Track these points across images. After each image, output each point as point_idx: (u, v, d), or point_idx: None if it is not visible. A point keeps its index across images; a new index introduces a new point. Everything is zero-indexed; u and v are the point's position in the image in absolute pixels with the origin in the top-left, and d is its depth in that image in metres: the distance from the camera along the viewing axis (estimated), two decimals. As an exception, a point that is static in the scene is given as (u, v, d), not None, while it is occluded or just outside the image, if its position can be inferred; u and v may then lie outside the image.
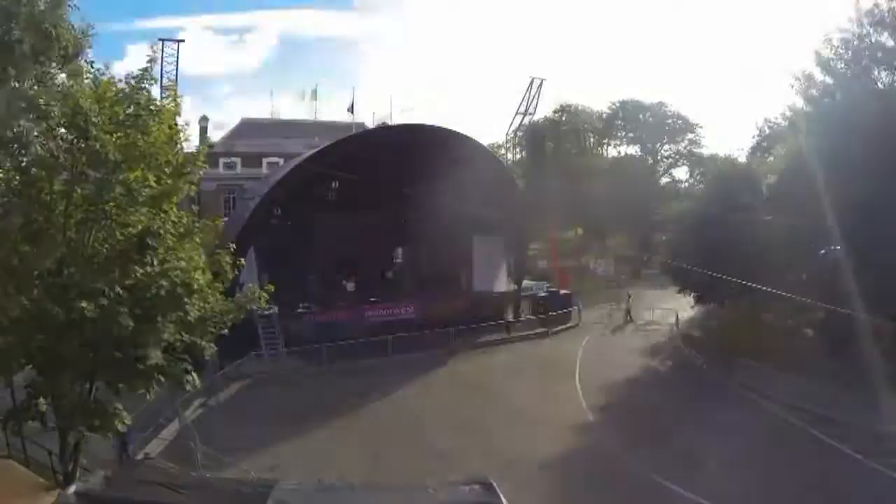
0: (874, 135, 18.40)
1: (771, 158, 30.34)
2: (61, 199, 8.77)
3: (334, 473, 12.00)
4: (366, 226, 30.63)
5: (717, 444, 14.76)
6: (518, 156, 36.91)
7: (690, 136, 58.80)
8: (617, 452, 15.84)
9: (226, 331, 10.18)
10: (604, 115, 58.83)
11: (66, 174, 8.83)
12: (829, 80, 21.27)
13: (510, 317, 30.45)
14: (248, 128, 38.10)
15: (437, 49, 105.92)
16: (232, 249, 10.37)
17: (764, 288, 21.61)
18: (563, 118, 54.82)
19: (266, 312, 22.25)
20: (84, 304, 8.10)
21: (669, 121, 58.69)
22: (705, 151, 56.59)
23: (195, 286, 9.22)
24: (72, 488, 5.09)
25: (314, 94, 38.86)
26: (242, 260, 11.08)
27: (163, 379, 9.73)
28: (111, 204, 8.77)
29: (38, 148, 8.60)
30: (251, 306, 10.86)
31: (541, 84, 34.70)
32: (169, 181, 9.16)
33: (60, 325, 8.16)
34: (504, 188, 27.43)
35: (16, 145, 8.47)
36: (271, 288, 11.22)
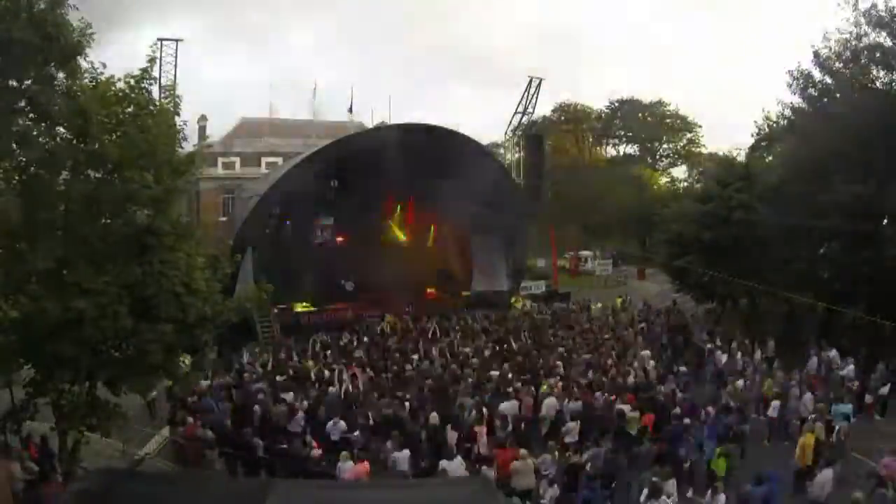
0: (873, 134, 18.44)
1: (770, 158, 30.34)
2: (61, 198, 8.78)
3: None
4: (364, 225, 30.60)
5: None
6: (517, 155, 36.93)
7: (689, 135, 58.94)
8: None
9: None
10: (602, 115, 58.96)
11: (65, 173, 8.84)
12: (827, 79, 21.29)
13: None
14: (247, 127, 38.05)
15: (436, 48, 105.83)
16: (231, 249, 10.40)
17: (762, 287, 21.73)
18: (562, 117, 54.93)
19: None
20: (83, 302, 8.11)
21: (668, 120, 58.83)
22: (704, 150, 56.77)
23: (194, 286, 9.24)
24: (71, 488, 5.10)
25: (313, 93, 38.82)
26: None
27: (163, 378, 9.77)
28: (110, 203, 8.78)
29: (38, 147, 8.62)
30: (249, 305, 10.91)
31: (539, 83, 34.57)
32: (168, 181, 9.18)
33: (60, 324, 8.16)
34: (503, 187, 27.42)
35: (16, 144, 8.48)
36: (270, 288, 11.25)
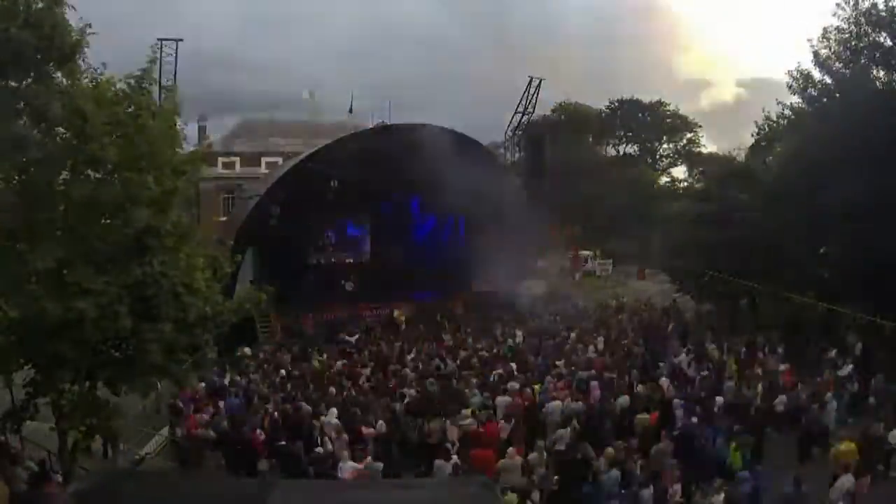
0: (873, 133, 18.42)
1: (770, 158, 30.32)
2: (61, 199, 8.78)
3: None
4: (364, 226, 30.63)
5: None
6: (517, 155, 37.00)
7: (689, 135, 58.93)
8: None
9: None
10: (602, 115, 58.90)
11: (65, 174, 8.83)
12: (827, 79, 21.27)
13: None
14: (248, 127, 38.09)
15: (436, 48, 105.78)
16: (231, 249, 10.39)
17: (762, 287, 21.72)
18: (562, 117, 54.85)
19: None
20: (84, 303, 8.10)
21: (668, 120, 58.81)
22: (704, 150, 56.74)
23: (195, 286, 9.24)
24: (71, 488, 5.09)
25: (312, 94, 38.87)
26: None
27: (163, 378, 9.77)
28: (110, 204, 8.77)
29: (36, 148, 8.60)
30: (249, 306, 10.91)
31: (539, 83, 34.61)
32: (168, 182, 9.17)
33: (60, 324, 8.16)
34: (503, 188, 27.46)
35: (13, 145, 8.47)
36: (270, 288, 11.27)
